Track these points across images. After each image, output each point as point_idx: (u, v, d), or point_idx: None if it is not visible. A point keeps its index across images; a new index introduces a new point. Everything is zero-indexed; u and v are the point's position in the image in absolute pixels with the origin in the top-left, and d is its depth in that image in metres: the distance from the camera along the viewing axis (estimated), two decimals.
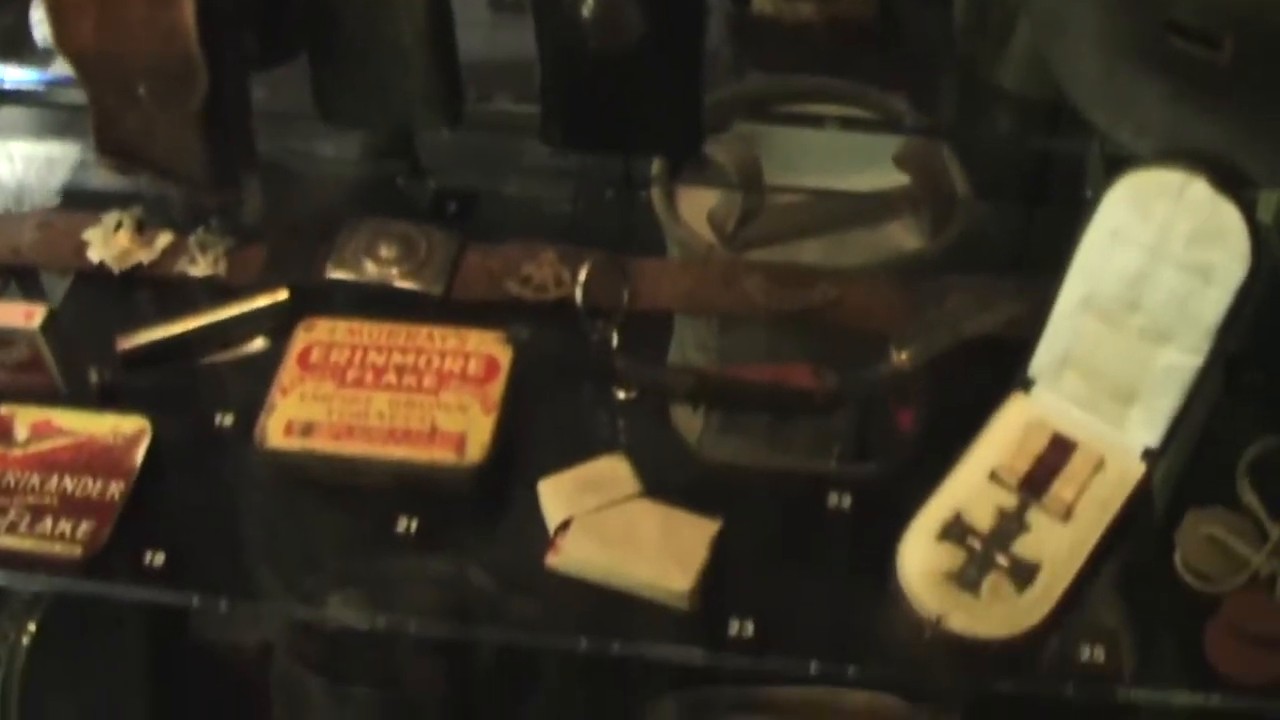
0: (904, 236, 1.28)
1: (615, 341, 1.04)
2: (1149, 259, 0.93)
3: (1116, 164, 1.06)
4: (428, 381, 1.02)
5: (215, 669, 1.30)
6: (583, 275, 1.05)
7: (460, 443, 0.99)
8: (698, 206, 1.26)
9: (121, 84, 1.07)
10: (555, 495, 0.97)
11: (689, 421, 1.06)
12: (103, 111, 1.10)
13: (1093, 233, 0.95)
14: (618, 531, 0.95)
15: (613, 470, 0.98)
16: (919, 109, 1.32)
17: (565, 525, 0.96)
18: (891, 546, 0.94)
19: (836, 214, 1.29)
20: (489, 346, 1.04)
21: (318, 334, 1.06)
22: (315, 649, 1.17)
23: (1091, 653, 0.90)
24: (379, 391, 1.02)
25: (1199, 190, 0.90)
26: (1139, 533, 0.96)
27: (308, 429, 1.00)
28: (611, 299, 1.07)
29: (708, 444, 1.05)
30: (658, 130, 1.11)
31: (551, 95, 1.10)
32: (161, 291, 1.13)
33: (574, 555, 0.95)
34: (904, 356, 1.01)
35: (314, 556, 1.00)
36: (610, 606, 0.94)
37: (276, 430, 1.00)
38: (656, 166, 1.29)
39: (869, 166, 1.31)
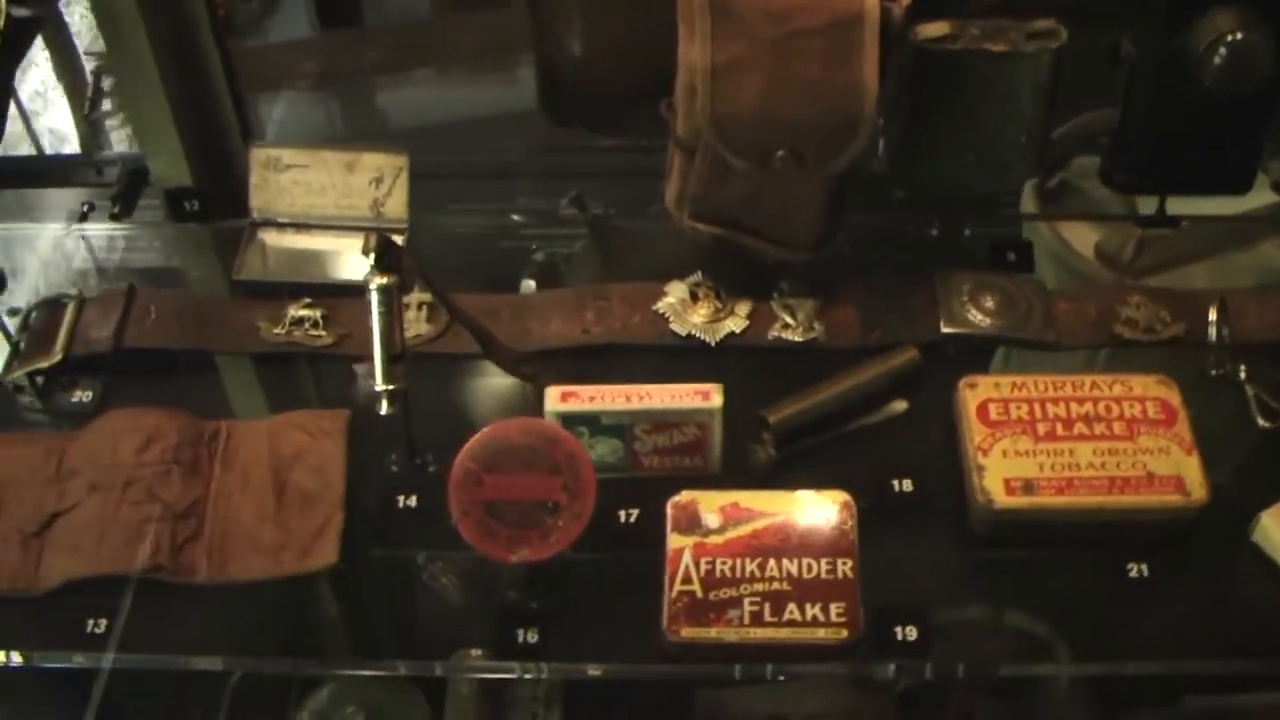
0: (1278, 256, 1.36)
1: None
2: None
3: None
4: (1118, 428, 1.03)
5: None
6: (1213, 315, 1.10)
7: (1180, 484, 1.00)
8: (1078, 237, 1.31)
9: (761, 147, 1.02)
10: None
11: None
12: (715, 176, 1.05)
13: None
14: None
15: None
16: None
17: None
18: None
19: (1215, 237, 1.36)
20: (1153, 389, 1.05)
21: (983, 391, 1.05)
22: None
23: None
24: (1077, 442, 1.02)
25: None
26: None
27: (1029, 486, 1.00)
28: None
29: None
30: (1221, 168, 1.15)
31: (1132, 135, 1.12)
32: (767, 359, 1.10)
33: None
34: None
35: (1043, 614, 1.01)
36: None
37: (997, 489, 0.99)
38: (1029, 199, 1.33)
39: None
